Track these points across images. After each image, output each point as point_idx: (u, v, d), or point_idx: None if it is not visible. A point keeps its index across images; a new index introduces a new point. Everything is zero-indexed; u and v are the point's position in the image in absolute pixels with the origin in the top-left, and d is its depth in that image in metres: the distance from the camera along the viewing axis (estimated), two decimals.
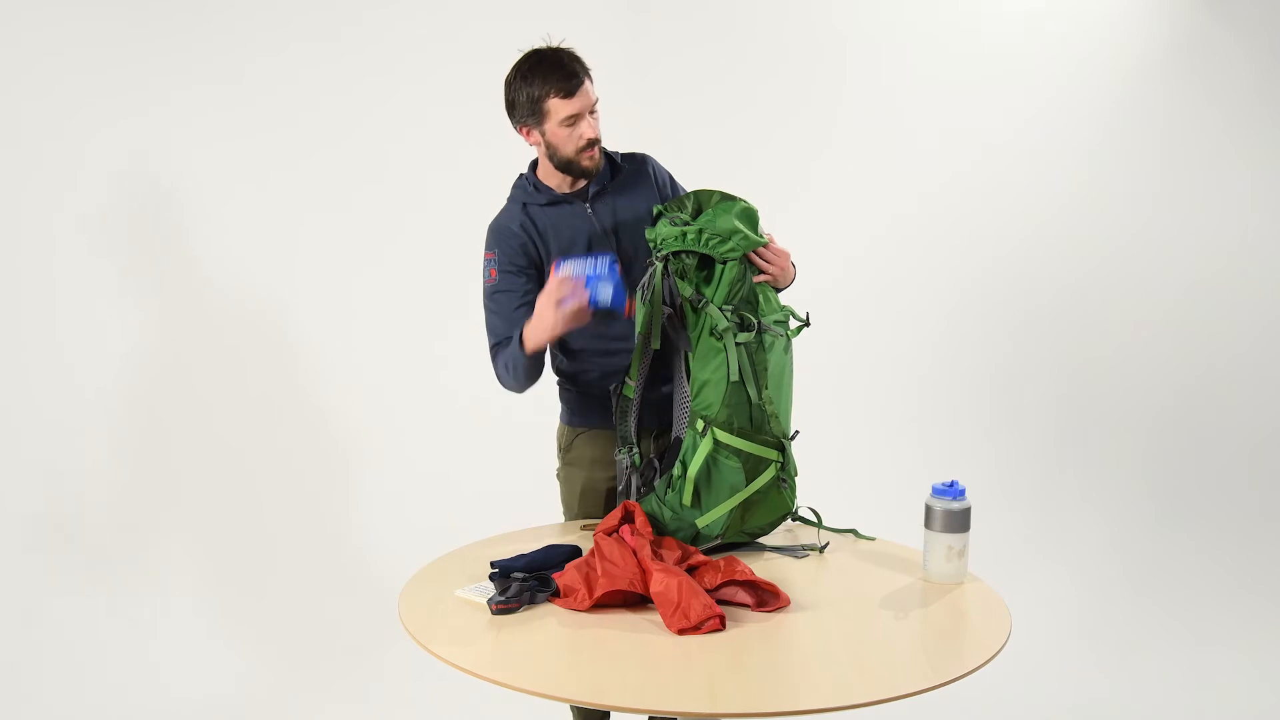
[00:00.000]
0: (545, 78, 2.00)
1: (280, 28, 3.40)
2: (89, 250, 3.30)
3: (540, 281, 2.08)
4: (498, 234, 2.13)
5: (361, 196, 3.52)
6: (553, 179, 2.13)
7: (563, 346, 2.21)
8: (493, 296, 2.12)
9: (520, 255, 2.10)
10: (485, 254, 2.14)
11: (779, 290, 2.06)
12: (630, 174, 2.18)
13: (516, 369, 2.06)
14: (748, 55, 3.70)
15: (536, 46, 2.06)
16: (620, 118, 2.23)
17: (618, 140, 2.25)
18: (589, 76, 2.04)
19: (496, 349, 2.12)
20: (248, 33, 3.37)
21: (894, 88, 3.79)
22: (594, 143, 2.05)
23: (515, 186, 2.18)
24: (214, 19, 3.34)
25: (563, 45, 2.06)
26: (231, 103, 3.38)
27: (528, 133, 2.09)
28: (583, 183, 2.13)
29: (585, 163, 2.07)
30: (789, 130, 3.73)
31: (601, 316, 2.00)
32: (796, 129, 3.74)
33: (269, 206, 3.46)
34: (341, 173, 3.49)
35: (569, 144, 2.04)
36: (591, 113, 2.04)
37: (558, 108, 2.01)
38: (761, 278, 1.99)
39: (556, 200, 2.12)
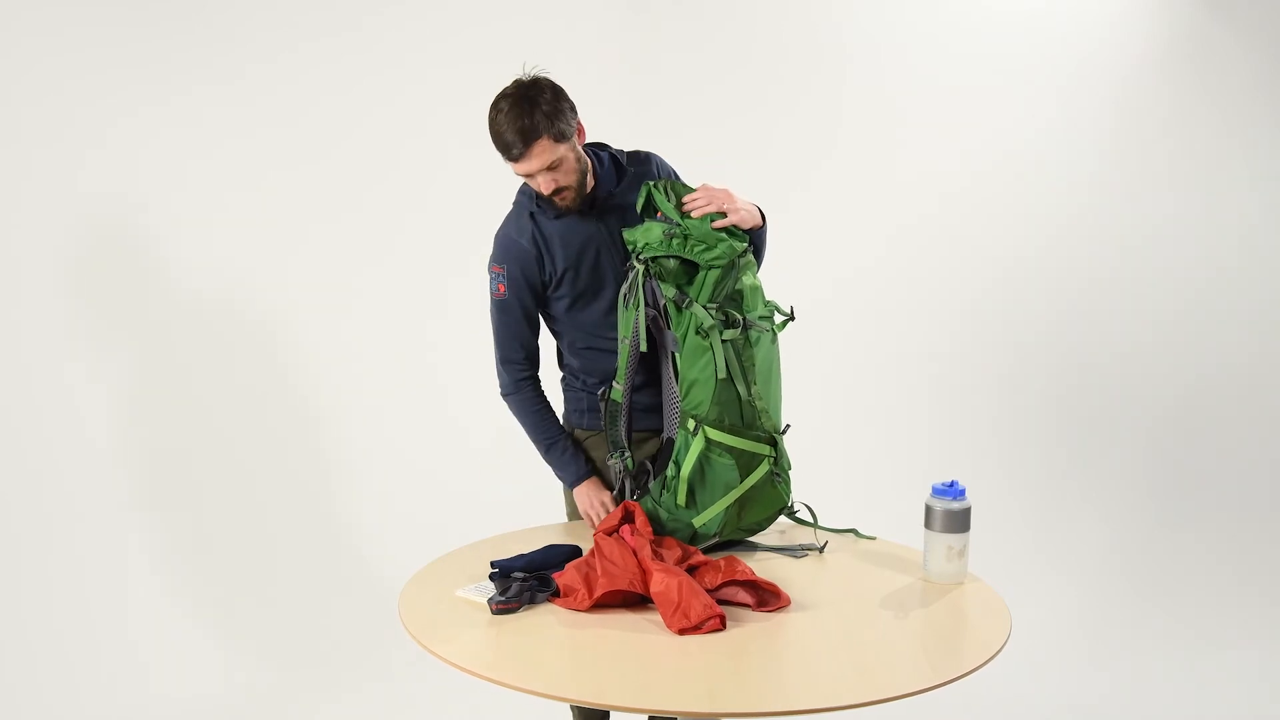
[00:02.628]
0: (497, 139, 1.96)
1: (280, 29, 3.40)
2: (88, 251, 3.30)
3: (544, 299, 2.13)
4: (507, 249, 2.12)
5: (360, 200, 3.52)
6: None
7: (569, 345, 2.23)
8: (500, 310, 2.15)
9: (532, 271, 2.10)
10: (493, 266, 2.14)
11: (749, 233, 2.03)
12: (635, 177, 2.15)
13: (525, 423, 2.23)
14: (748, 56, 3.70)
15: (511, 82, 1.98)
16: (620, 118, 2.23)
17: (617, 141, 2.25)
18: (548, 131, 1.91)
19: (505, 365, 2.20)
20: (247, 34, 3.37)
21: (894, 88, 3.79)
22: (556, 191, 2.00)
23: (520, 193, 2.15)
24: (213, 20, 3.34)
25: (535, 78, 1.96)
26: (231, 103, 3.37)
27: None
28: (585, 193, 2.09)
29: (558, 202, 2.04)
30: (789, 131, 3.73)
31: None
32: (797, 130, 3.74)
33: (268, 209, 3.46)
34: (338, 176, 3.49)
35: (535, 188, 2.03)
36: (552, 168, 1.96)
37: (512, 167, 2.00)
38: (722, 223, 1.97)
39: (562, 214, 2.09)
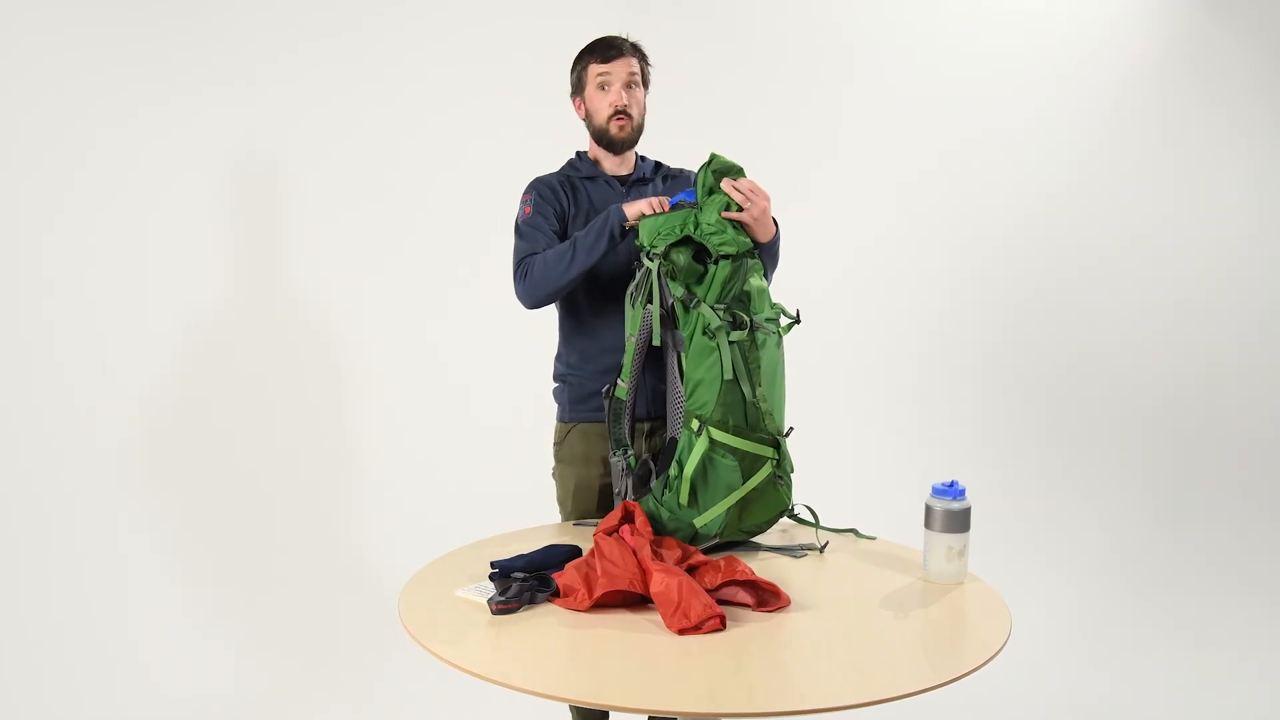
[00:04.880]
0: (592, 50, 2.21)
1: (279, 29, 3.40)
2: (88, 252, 3.30)
3: (563, 237, 2.20)
4: (537, 184, 2.26)
5: (366, 198, 3.52)
6: (599, 159, 2.27)
7: (563, 325, 2.27)
8: (527, 224, 2.20)
9: (555, 202, 2.22)
10: (523, 196, 2.25)
11: (756, 242, 2.02)
12: (674, 177, 2.32)
13: (570, 256, 2.07)
14: (749, 57, 3.71)
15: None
16: None
17: None
18: (641, 59, 2.22)
19: (526, 259, 2.14)
20: (249, 33, 3.37)
21: (895, 88, 3.79)
22: (622, 112, 2.18)
23: (566, 162, 2.31)
24: (213, 20, 3.34)
25: (633, 40, 2.24)
26: (232, 104, 3.38)
27: (578, 105, 2.26)
28: (624, 170, 2.26)
29: (614, 130, 2.20)
30: (790, 132, 3.73)
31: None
32: (798, 130, 3.74)
33: (272, 207, 3.46)
34: (346, 175, 3.49)
35: (601, 109, 2.20)
36: (630, 86, 2.18)
37: (594, 71, 2.19)
38: (730, 214, 1.97)
39: (596, 176, 2.25)
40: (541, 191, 2.22)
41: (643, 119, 2.24)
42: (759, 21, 3.71)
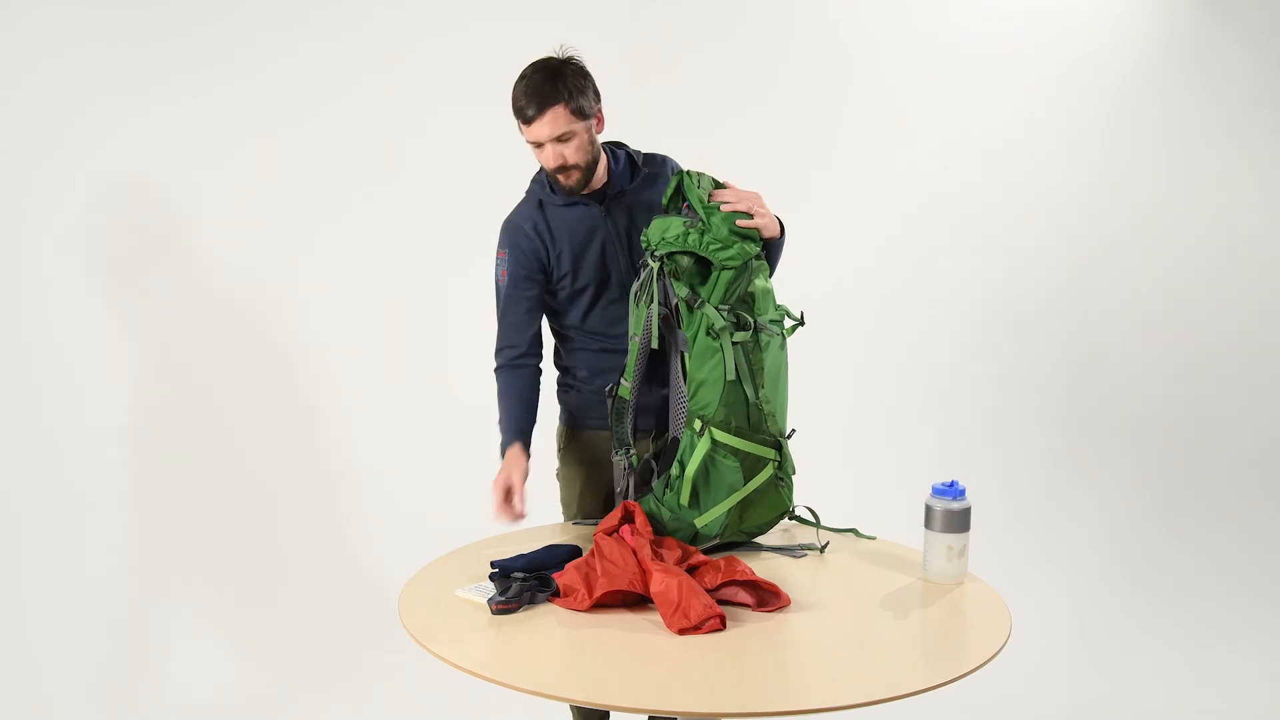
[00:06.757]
0: (515, 101, 2.00)
1: (280, 30, 3.40)
2: (89, 254, 3.30)
3: (547, 282, 2.14)
4: (511, 234, 2.15)
5: (365, 199, 3.52)
6: None
7: (564, 341, 2.25)
8: (502, 297, 2.17)
9: (531, 259, 2.13)
10: (498, 251, 2.17)
11: (766, 242, 2.02)
12: (649, 177, 2.18)
13: (499, 403, 2.20)
14: (748, 59, 3.70)
15: (544, 56, 2.03)
16: (621, 122, 2.23)
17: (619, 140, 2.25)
18: (567, 102, 1.95)
19: (500, 356, 2.20)
20: (248, 35, 3.37)
21: (896, 88, 3.79)
22: (562, 168, 2.03)
23: (533, 181, 2.19)
24: (215, 22, 3.34)
25: (568, 57, 2.02)
26: (235, 105, 3.38)
27: None
28: (597, 185, 2.13)
29: (561, 180, 2.06)
30: (791, 134, 3.73)
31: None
32: (798, 132, 3.74)
33: (272, 208, 3.46)
34: (345, 176, 3.49)
35: (541, 161, 2.07)
36: (562, 139, 1.98)
37: (522, 130, 2.03)
38: (746, 222, 1.96)
39: (573, 202, 2.12)
40: (516, 247, 2.12)
41: (592, 155, 2.05)
42: (758, 23, 3.70)
